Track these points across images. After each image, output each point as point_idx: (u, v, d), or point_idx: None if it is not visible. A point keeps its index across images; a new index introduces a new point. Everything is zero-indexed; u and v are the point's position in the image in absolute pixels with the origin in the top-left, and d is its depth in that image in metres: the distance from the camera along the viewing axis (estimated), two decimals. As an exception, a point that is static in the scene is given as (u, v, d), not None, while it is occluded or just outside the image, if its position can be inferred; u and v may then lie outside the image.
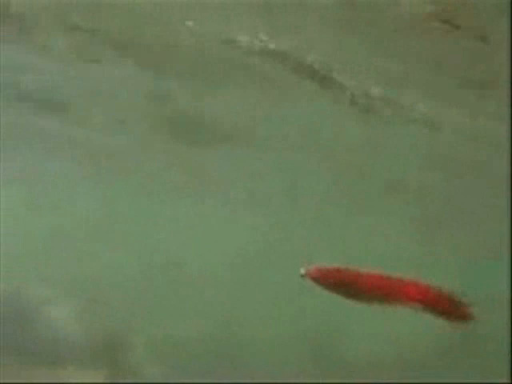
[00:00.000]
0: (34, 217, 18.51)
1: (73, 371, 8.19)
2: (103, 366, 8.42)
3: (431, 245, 14.42)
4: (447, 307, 1.89)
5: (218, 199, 13.07)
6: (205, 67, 5.94)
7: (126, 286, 11.85)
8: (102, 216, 18.26)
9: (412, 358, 10.09)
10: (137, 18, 5.07)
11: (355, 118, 6.64)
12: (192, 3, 4.97)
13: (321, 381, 9.04)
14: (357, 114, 6.56)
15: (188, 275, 10.80)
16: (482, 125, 6.93)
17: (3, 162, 13.49)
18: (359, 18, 4.67)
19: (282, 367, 9.92)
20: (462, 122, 6.83)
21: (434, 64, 5.28)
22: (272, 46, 5.47)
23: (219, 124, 7.93)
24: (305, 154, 9.64)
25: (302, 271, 1.94)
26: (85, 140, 9.62)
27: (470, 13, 4.39)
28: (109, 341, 9.70)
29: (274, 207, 14.24)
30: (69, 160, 11.49)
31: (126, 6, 4.93)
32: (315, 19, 4.78)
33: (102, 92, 7.03)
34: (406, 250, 18.03)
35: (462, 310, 1.90)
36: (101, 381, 8.08)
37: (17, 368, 8.60)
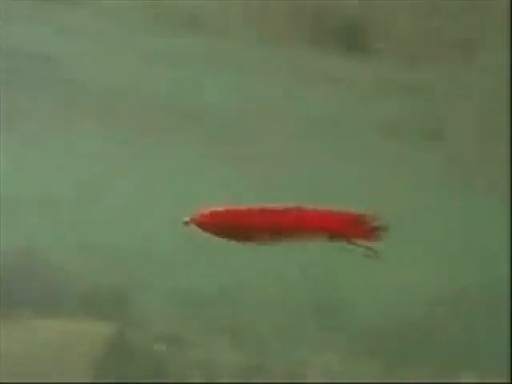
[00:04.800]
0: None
1: (81, 322, 8.22)
2: (112, 318, 8.44)
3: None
4: (358, 231, 1.71)
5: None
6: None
7: (136, 241, 11.81)
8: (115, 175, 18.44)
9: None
10: None
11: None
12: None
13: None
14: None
15: (196, 232, 10.83)
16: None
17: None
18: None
19: (284, 320, 9.91)
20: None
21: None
22: None
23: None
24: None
25: (186, 218, 1.72)
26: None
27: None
28: (118, 293, 9.75)
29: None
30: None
31: None
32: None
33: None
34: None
35: (374, 233, 1.73)
36: (110, 332, 8.10)
37: (29, 318, 8.70)
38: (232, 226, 1.65)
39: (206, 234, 1.68)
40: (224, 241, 1.68)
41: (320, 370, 9.17)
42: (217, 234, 1.66)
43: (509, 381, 5.85)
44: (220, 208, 1.69)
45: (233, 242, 1.67)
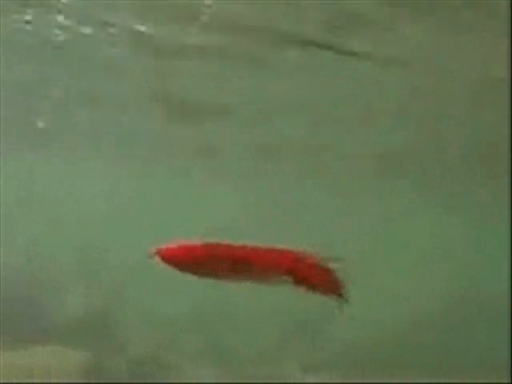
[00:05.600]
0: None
1: (60, 348, 8.17)
2: (91, 344, 8.41)
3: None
4: (323, 280, 1.71)
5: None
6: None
7: (115, 268, 11.79)
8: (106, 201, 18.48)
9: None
10: None
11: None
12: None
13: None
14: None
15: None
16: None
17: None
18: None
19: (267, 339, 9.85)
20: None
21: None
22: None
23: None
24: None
25: (152, 251, 1.71)
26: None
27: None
28: (97, 319, 9.72)
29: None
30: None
31: None
32: None
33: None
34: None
35: (337, 284, 1.74)
36: (88, 358, 8.06)
37: (10, 345, 8.65)
38: (196, 262, 1.63)
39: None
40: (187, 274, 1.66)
41: None
42: (180, 268, 1.64)
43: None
44: (186, 242, 1.68)
45: (195, 277, 1.66)
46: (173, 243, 1.58)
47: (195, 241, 1.57)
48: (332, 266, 1.68)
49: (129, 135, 11.21)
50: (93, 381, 7.92)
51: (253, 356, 9.38)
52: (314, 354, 9.51)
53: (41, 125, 10.23)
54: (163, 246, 1.58)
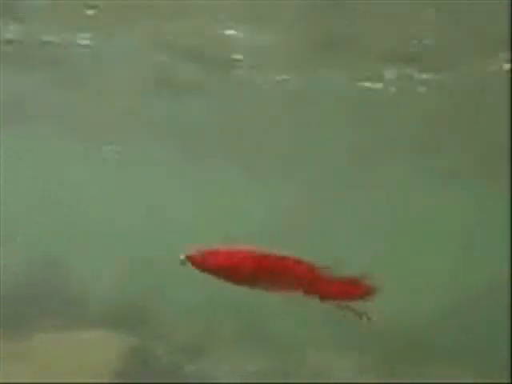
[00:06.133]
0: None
1: (103, 334, 8.31)
2: (133, 330, 8.54)
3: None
4: (349, 294, 1.77)
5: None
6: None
7: (157, 255, 11.88)
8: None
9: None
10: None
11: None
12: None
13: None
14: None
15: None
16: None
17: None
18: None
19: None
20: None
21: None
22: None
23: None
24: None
25: (182, 257, 1.82)
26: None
27: None
28: (140, 307, 9.90)
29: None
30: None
31: None
32: None
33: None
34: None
35: (362, 286, 1.79)
36: (134, 344, 8.18)
37: (52, 330, 8.74)
38: (223, 269, 1.70)
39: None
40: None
41: (340, 373, 9.18)
42: (208, 273, 1.72)
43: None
44: (214, 248, 1.75)
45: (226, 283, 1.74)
46: (200, 250, 1.68)
47: (222, 247, 1.66)
48: (357, 275, 1.75)
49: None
50: (135, 365, 8.07)
51: (290, 341, 9.46)
52: (348, 338, 9.59)
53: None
54: (192, 253, 1.68)
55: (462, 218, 16.10)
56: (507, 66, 6.92)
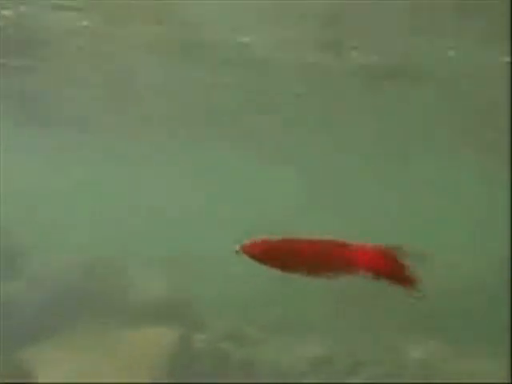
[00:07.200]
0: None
1: (148, 329, 8.43)
2: (176, 323, 8.65)
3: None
4: (397, 271, 1.80)
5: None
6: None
7: (196, 250, 12.06)
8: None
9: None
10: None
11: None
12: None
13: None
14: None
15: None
16: None
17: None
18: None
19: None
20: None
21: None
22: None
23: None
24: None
25: (237, 248, 1.82)
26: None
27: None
28: (181, 300, 10.03)
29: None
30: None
31: None
32: None
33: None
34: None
35: (408, 273, 1.82)
36: (175, 337, 8.28)
37: (99, 328, 8.84)
38: (280, 258, 1.73)
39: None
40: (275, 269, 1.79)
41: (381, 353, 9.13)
42: (265, 263, 1.77)
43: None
44: (270, 238, 1.79)
45: (279, 271, 1.79)
46: (256, 240, 1.69)
47: (277, 237, 1.68)
48: (406, 259, 1.78)
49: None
50: (180, 355, 8.21)
51: (328, 326, 9.52)
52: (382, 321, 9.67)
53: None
54: (248, 243, 1.70)
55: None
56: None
